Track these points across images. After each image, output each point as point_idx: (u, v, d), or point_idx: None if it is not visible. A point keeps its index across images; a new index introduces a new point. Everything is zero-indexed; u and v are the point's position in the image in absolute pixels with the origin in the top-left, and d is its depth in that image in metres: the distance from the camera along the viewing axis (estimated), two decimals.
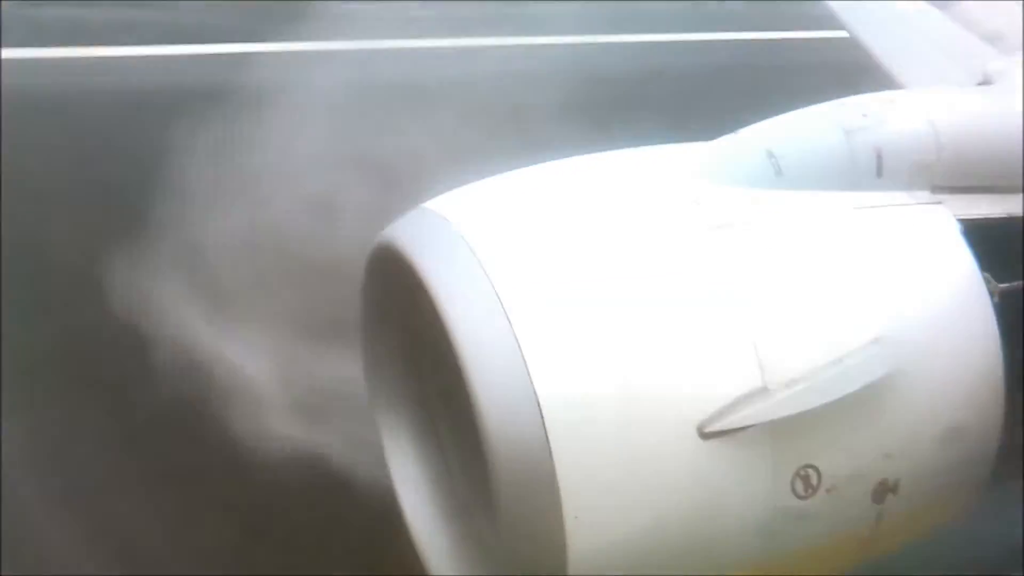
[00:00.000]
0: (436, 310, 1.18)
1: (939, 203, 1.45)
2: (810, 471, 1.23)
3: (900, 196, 1.45)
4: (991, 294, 1.36)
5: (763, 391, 1.19)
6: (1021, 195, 1.48)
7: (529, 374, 1.13)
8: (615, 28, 12.05)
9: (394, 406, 1.57)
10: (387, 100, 5.95)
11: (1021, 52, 1.94)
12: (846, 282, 1.32)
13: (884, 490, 1.29)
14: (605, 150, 1.52)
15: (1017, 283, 1.40)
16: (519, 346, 1.14)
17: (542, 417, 1.12)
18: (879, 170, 1.45)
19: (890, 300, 1.31)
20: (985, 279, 1.36)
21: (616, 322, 1.19)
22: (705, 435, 1.17)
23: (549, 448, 1.11)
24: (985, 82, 1.85)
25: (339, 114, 5.23)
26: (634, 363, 1.17)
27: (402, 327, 1.50)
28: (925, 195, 1.46)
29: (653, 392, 1.18)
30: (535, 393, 1.12)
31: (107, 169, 5.89)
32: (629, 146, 1.54)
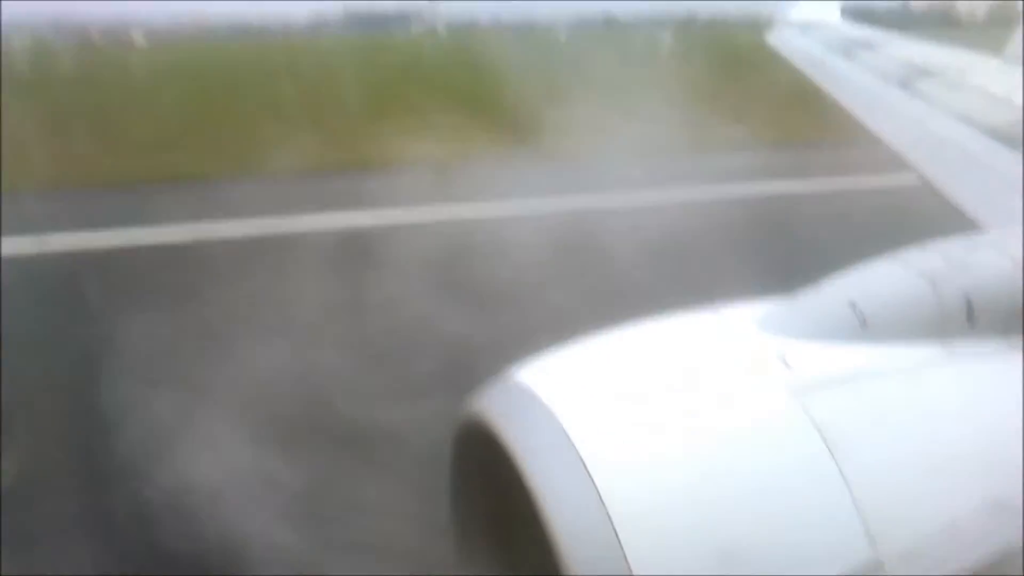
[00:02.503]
0: (527, 485, 1.17)
1: None
2: None
3: (996, 343, 1.40)
4: None
5: (876, 563, 1.12)
6: None
7: (624, 555, 1.10)
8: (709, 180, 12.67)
9: (482, 571, 1.53)
10: None
11: None
12: (953, 440, 1.26)
13: None
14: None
15: None
16: (612, 525, 1.11)
17: None
18: (970, 317, 1.41)
19: (1003, 458, 1.24)
20: None
21: (710, 496, 1.15)
22: None
23: None
24: None
25: None
26: (732, 538, 1.13)
27: (491, 496, 1.48)
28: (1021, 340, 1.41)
29: (754, 568, 1.12)
30: (629, 571, 1.09)
31: None
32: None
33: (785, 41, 6.32)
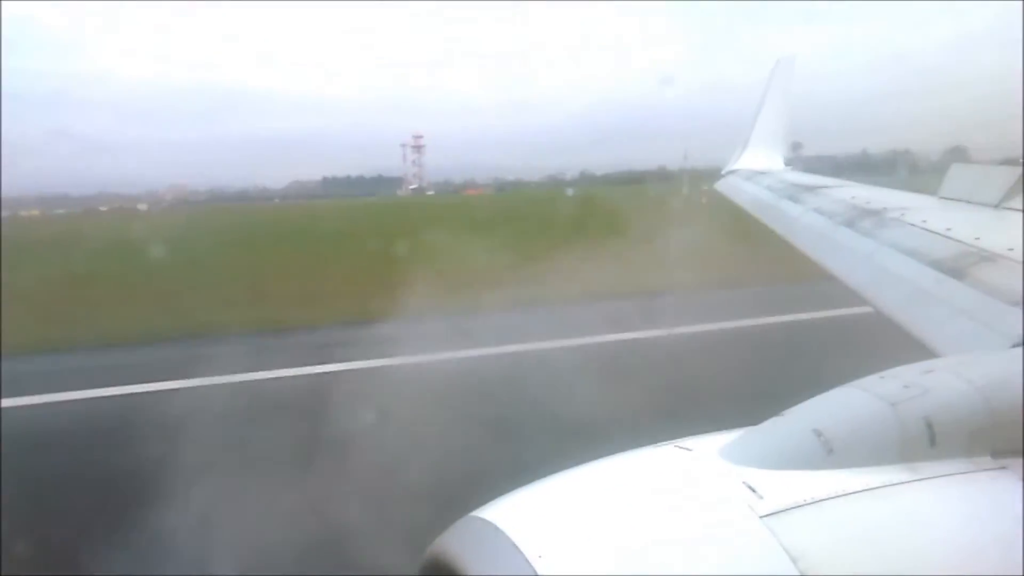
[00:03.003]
0: None
1: (1003, 467, 1.40)
2: None
3: (960, 464, 1.40)
4: None
5: None
6: None
7: None
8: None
9: None
10: None
11: None
12: (921, 557, 1.24)
13: None
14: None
15: None
16: None
17: None
18: (932, 440, 1.42)
19: (972, 574, 1.22)
20: None
21: None
22: None
23: None
24: (1021, 344, 1.85)
25: None
26: None
27: None
28: (987, 460, 1.41)
29: None
30: None
31: None
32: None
33: (731, 187, 6.62)
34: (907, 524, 1.29)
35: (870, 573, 1.20)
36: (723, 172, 7.48)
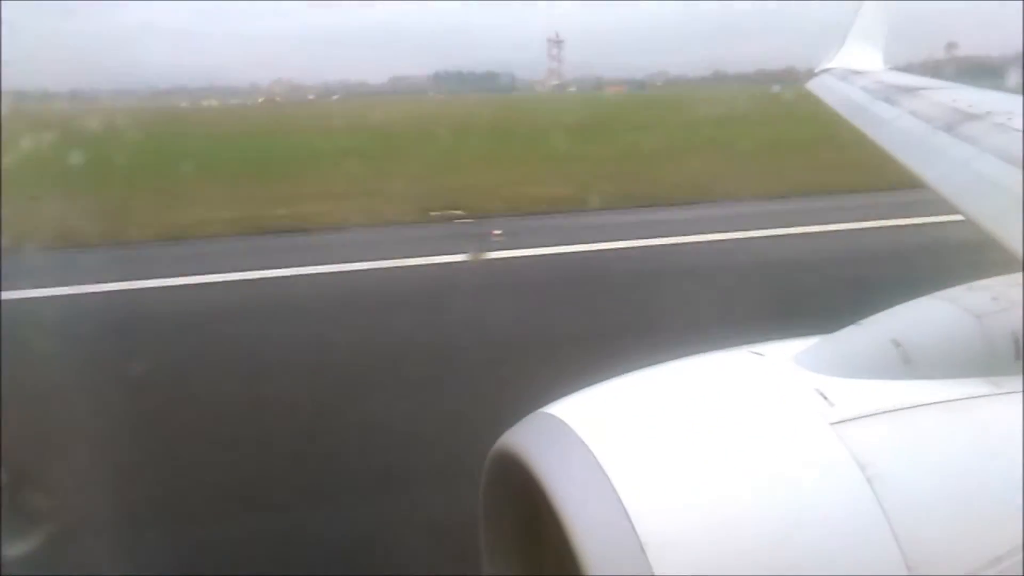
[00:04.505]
0: (558, 513, 1.15)
1: None
2: None
3: None
4: None
5: None
6: None
7: (653, 573, 1.07)
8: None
9: None
10: None
11: None
12: (997, 475, 1.21)
13: None
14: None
15: None
16: (645, 555, 1.08)
17: None
18: (1019, 354, 1.37)
19: None
20: None
21: (745, 525, 1.12)
22: None
23: None
24: None
25: None
26: (767, 568, 1.09)
27: (522, 526, 1.45)
28: None
29: None
30: None
31: None
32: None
33: (825, 87, 6.30)
34: (984, 438, 1.26)
35: (940, 484, 1.19)
36: (816, 71, 7.11)
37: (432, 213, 15.80)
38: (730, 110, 36.38)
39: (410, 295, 10.58)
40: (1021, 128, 3.29)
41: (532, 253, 12.51)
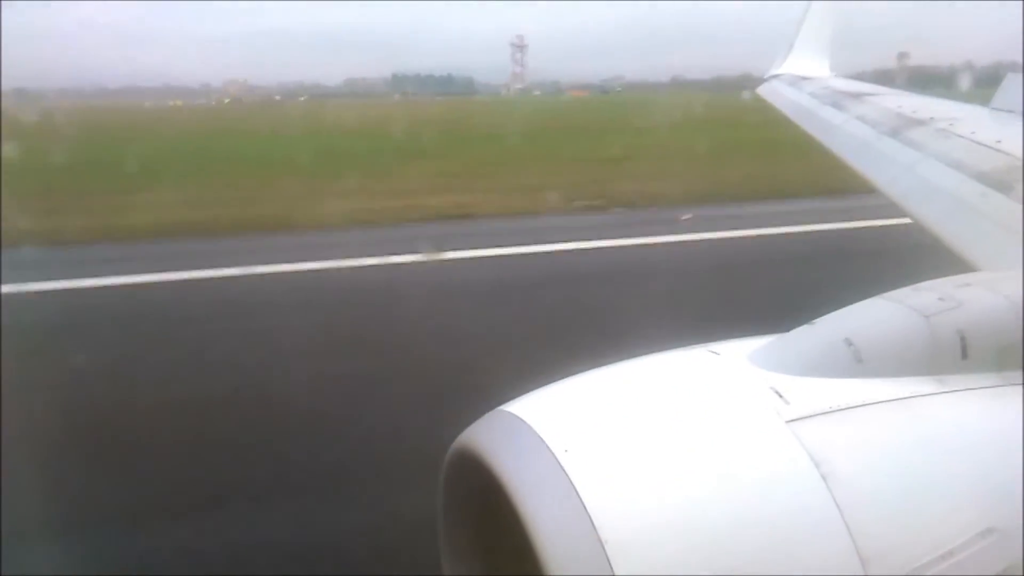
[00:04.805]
0: (518, 511, 1.15)
1: None
2: None
3: (990, 378, 1.39)
4: None
5: None
6: None
7: (613, 572, 1.07)
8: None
9: None
10: None
11: None
12: (947, 468, 1.24)
13: None
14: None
15: None
16: (605, 552, 1.09)
17: None
18: (964, 353, 1.41)
19: (999, 487, 1.23)
20: None
21: (702, 521, 1.13)
22: None
23: None
24: None
25: None
26: (724, 564, 1.11)
27: (480, 525, 1.45)
28: (1017, 376, 1.40)
29: None
30: None
31: None
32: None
33: (775, 93, 6.42)
34: (931, 435, 1.29)
35: (891, 480, 1.21)
36: (765, 76, 7.25)
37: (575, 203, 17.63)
38: (714, 115, 37.99)
39: None
40: (962, 134, 3.39)
41: None
